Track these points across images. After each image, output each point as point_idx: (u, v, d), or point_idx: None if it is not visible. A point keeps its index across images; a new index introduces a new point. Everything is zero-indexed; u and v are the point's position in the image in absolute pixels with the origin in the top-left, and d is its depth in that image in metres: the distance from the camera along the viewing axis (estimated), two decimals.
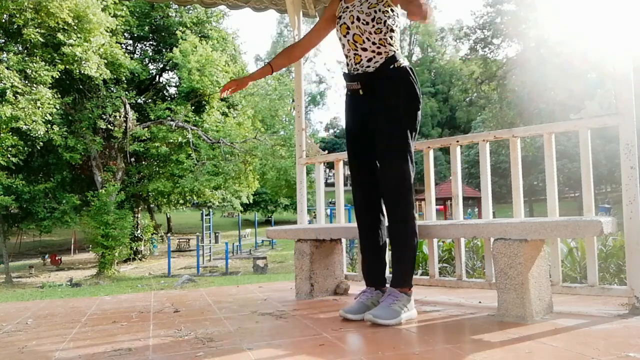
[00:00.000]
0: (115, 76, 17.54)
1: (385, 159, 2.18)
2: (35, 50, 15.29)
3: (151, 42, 23.07)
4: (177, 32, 20.13)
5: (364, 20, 2.18)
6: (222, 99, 21.55)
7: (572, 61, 17.72)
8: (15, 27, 15.02)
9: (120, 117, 18.25)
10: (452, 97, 47.82)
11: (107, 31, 16.59)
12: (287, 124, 25.08)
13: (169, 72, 23.45)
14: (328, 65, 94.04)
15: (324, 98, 60.52)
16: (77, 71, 15.67)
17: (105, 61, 16.43)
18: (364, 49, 2.20)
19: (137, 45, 23.15)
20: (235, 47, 24.14)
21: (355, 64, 2.24)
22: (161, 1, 4.42)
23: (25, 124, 14.05)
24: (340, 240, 2.95)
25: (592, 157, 2.28)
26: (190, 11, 21.79)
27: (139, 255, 20.85)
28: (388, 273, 2.41)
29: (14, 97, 13.83)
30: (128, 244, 17.97)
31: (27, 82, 14.60)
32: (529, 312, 1.96)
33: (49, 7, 14.38)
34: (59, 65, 15.19)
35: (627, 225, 2.08)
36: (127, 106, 18.24)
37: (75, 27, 15.26)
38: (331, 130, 59.28)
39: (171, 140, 18.89)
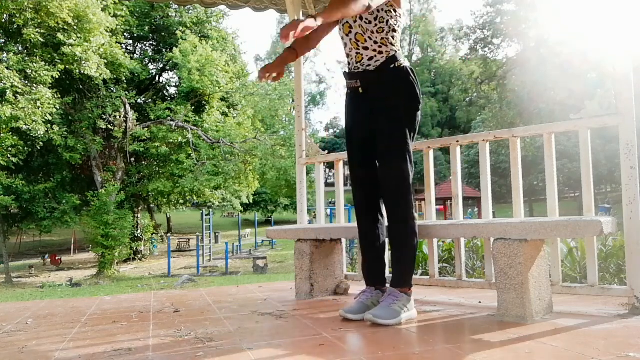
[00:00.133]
0: (115, 76, 17.54)
1: (386, 159, 2.19)
2: (35, 50, 15.29)
3: (151, 42, 23.07)
4: (177, 32, 20.13)
5: (366, 19, 2.18)
6: (222, 99, 21.57)
7: (572, 61, 17.73)
8: (15, 27, 15.02)
9: (120, 117, 18.25)
10: (452, 97, 47.83)
11: (107, 31, 16.59)
12: (287, 124, 25.08)
13: (169, 72, 23.45)
14: (328, 65, 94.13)
15: (324, 98, 60.58)
16: (77, 71, 15.67)
17: (105, 61, 16.43)
18: (366, 48, 2.21)
19: (137, 45, 23.15)
20: (235, 47, 24.14)
21: (356, 63, 2.25)
22: (161, 1, 4.42)
23: (25, 124, 14.05)
24: (340, 240, 2.94)
25: (592, 157, 2.28)
26: (190, 11, 21.79)
27: (139, 255, 20.85)
28: (388, 273, 2.42)
29: (14, 97, 13.83)
30: (128, 244, 17.97)
31: (27, 82, 14.60)
32: (529, 312, 1.96)
33: (49, 7, 14.39)
34: (59, 65, 15.19)
35: (627, 225, 2.08)
36: (127, 106, 18.24)
37: (75, 27, 15.26)
38: (331, 130, 59.30)
39: (171, 140, 18.90)
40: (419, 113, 2.23)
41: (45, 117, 14.69)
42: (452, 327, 2.05)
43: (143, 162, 20.87)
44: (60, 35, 14.94)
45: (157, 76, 23.51)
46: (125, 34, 20.29)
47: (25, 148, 15.36)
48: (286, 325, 2.16)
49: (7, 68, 14.05)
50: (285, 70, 2.44)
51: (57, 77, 15.25)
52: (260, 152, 21.47)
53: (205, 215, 20.27)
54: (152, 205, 25.14)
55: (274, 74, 2.27)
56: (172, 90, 23.89)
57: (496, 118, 22.43)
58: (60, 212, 17.37)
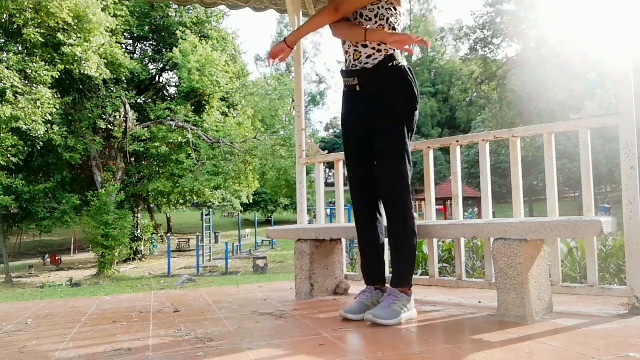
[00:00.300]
0: (115, 76, 17.54)
1: (384, 158, 2.18)
2: (35, 50, 15.29)
3: (151, 42, 23.07)
4: (177, 32, 20.13)
5: (367, 16, 2.19)
6: (222, 99, 21.57)
7: (572, 61, 17.72)
8: (15, 27, 15.02)
9: (120, 117, 18.25)
10: (452, 97, 47.83)
11: (107, 31, 16.59)
12: (287, 124, 25.08)
13: (169, 72, 23.45)
14: (328, 65, 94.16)
15: (324, 98, 60.56)
16: (77, 71, 15.67)
17: (105, 61, 16.43)
18: (365, 46, 2.21)
19: (137, 45, 23.15)
20: (235, 47, 24.14)
21: (354, 60, 2.24)
22: (161, 1, 4.42)
23: (25, 124, 14.05)
24: (340, 240, 2.94)
25: (592, 157, 2.28)
26: (190, 11, 21.79)
27: (139, 255, 20.85)
28: (388, 273, 2.42)
29: (14, 97, 13.83)
30: (128, 244, 17.97)
31: (27, 82, 14.60)
32: (529, 312, 1.96)
33: (49, 7, 14.39)
34: (59, 65, 15.19)
35: (627, 225, 2.08)
36: (127, 106, 18.24)
37: (75, 27, 15.26)
38: (331, 130, 59.29)
39: (171, 140, 18.90)
40: (417, 112, 2.23)
41: (45, 117, 14.69)
42: (452, 327, 2.05)
43: (143, 162, 20.87)
44: (60, 35, 14.94)
45: (157, 76, 23.51)
46: (125, 34, 20.30)
47: (25, 148, 15.36)
48: (286, 325, 2.16)
49: (7, 68, 14.05)
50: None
51: (57, 77, 15.25)
52: (260, 152, 21.47)
53: (205, 215, 20.27)
54: (152, 205, 25.15)
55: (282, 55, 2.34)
56: (172, 90, 23.91)
57: (496, 118, 22.42)
58: (60, 212, 17.37)
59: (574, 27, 18.21)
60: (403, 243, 2.18)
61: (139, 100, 21.17)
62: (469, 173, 32.06)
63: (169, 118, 19.00)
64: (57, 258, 20.14)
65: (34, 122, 14.21)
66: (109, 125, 18.07)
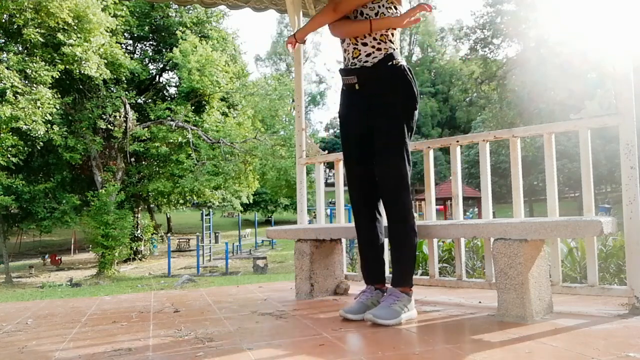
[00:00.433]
0: (115, 76, 17.54)
1: (383, 157, 2.18)
2: (35, 50, 15.29)
3: (151, 42, 23.07)
4: (177, 32, 20.13)
5: (367, 14, 2.19)
6: (222, 99, 21.58)
7: (572, 61, 17.72)
8: (15, 27, 15.02)
9: (120, 117, 18.25)
10: (452, 97, 47.84)
11: (107, 31, 16.59)
12: (287, 124, 25.08)
13: (169, 72, 23.45)
14: (328, 65, 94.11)
15: (324, 98, 60.58)
16: (77, 71, 15.67)
17: (105, 61, 16.43)
18: (364, 44, 2.21)
19: (137, 45, 23.15)
20: (235, 47, 24.14)
21: (353, 59, 2.24)
22: (161, 1, 4.42)
23: (25, 124, 14.05)
24: (340, 240, 2.94)
25: (592, 157, 2.28)
26: (190, 11, 21.79)
27: (139, 255, 20.85)
28: (388, 273, 2.42)
29: (14, 97, 13.83)
30: (128, 244, 17.97)
31: (27, 82, 14.60)
32: (529, 312, 1.96)
33: (49, 7, 14.39)
34: (59, 65, 15.19)
35: (627, 225, 2.08)
36: (127, 106, 18.24)
37: (75, 27, 15.26)
38: (331, 130, 59.28)
39: (171, 140, 18.90)
40: (417, 112, 2.23)
41: (45, 117, 14.69)
42: (452, 327, 2.05)
43: (143, 162, 20.87)
44: (60, 35, 14.94)
45: (157, 76, 23.51)
46: (125, 34, 20.29)
47: (25, 148, 15.36)
48: (286, 325, 2.16)
49: (7, 68, 14.05)
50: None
51: (57, 77, 15.25)
52: (260, 152, 21.47)
53: (205, 215, 20.27)
54: (152, 205, 25.14)
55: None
56: (172, 90, 23.91)
57: (496, 118, 22.41)
58: (60, 212, 17.37)
59: (574, 27, 18.21)
60: (403, 243, 2.18)
61: (139, 100, 21.17)
62: (469, 173, 32.06)
63: (169, 118, 19.00)
64: (57, 258, 20.14)
65: (34, 122, 14.21)
66: (109, 125, 18.07)
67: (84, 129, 17.47)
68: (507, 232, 2.02)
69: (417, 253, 2.63)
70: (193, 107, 20.03)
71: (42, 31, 14.83)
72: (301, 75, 3.48)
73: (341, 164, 3.22)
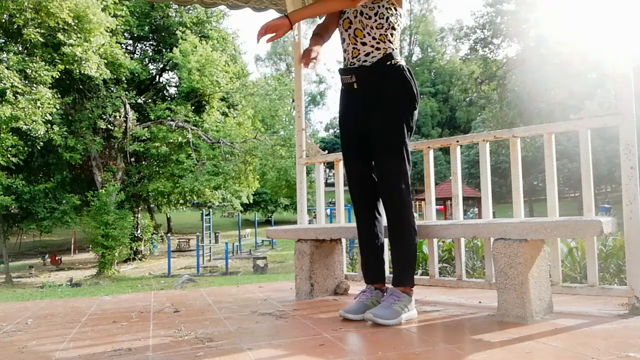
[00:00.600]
0: (115, 76, 17.54)
1: (383, 157, 2.18)
2: (35, 50, 15.29)
3: (151, 42, 23.07)
4: (177, 32, 20.13)
5: (366, 14, 2.19)
6: (222, 99, 21.58)
7: (572, 61, 17.71)
8: (15, 27, 15.02)
9: (120, 117, 18.26)
10: (452, 97, 47.84)
11: (107, 31, 16.60)
12: (287, 124, 25.09)
13: (169, 72, 23.46)
14: (328, 65, 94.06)
15: (324, 98, 60.60)
16: (77, 71, 15.68)
17: (105, 61, 16.43)
18: (364, 43, 2.21)
19: (137, 45, 23.16)
20: (235, 47, 24.14)
21: (352, 58, 2.24)
22: (161, 1, 4.42)
23: (25, 124, 14.05)
24: (340, 240, 2.94)
25: (592, 157, 2.28)
26: (190, 11, 21.79)
27: (139, 255, 20.86)
28: (388, 273, 2.42)
29: (14, 97, 13.83)
30: (128, 244, 17.98)
31: (27, 82, 14.60)
32: (529, 312, 1.96)
33: (49, 7, 14.39)
34: (59, 65, 15.20)
35: (627, 225, 2.08)
36: (127, 106, 18.24)
37: (75, 27, 15.26)
38: (331, 130, 59.29)
39: (171, 140, 18.90)
40: (416, 112, 2.23)
41: (45, 117, 14.69)
42: (452, 327, 2.05)
43: (143, 162, 20.87)
44: (60, 35, 14.94)
45: (157, 76, 23.51)
46: (125, 34, 20.30)
47: (25, 148, 15.36)
48: (286, 325, 2.16)
49: (7, 68, 14.06)
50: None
51: (57, 77, 15.25)
52: (260, 152, 21.47)
53: (205, 215, 20.27)
54: (152, 205, 25.15)
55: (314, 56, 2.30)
56: (172, 90, 23.91)
57: (496, 118, 22.41)
58: (61, 212, 17.38)
59: (574, 27, 18.21)
60: (403, 242, 2.18)
61: (139, 100, 21.17)
62: (469, 173, 32.06)
63: (169, 118, 19.00)
64: (57, 258, 20.15)
65: (34, 122, 14.21)
66: (109, 125, 18.07)
67: (84, 129, 17.48)
68: (507, 232, 2.02)
69: (417, 253, 2.62)
70: (193, 107, 20.03)
71: (42, 31, 14.84)
72: (301, 75, 3.48)
73: (341, 164, 3.22)
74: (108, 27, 16.53)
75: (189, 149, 19.04)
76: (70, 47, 15.03)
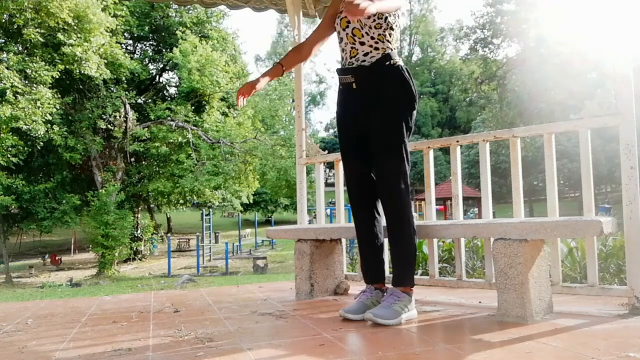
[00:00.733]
0: (115, 76, 17.54)
1: (382, 157, 2.17)
2: (35, 50, 15.29)
3: (151, 42, 23.08)
4: (177, 32, 20.14)
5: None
6: (222, 99, 21.58)
7: (572, 61, 17.71)
8: (15, 27, 15.03)
9: (120, 117, 18.26)
10: (452, 97, 47.85)
11: (107, 31, 16.60)
12: (287, 124, 25.10)
13: (169, 72, 23.46)
14: (328, 65, 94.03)
15: (324, 98, 60.59)
16: (77, 71, 15.68)
17: (105, 61, 16.43)
18: (362, 43, 2.20)
19: (137, 45, 23.16)
20: (235, 47, 24.15)
21: (350, 58, 2.24)
22: (161, 1, 4.42)
23: (25, 124, 14.06)
24: (340, 240, 2.94)
25: (592, 157, 2.28)
26: (190, 11, 21.79)
27: (139, 255, 20.86)
28: (388, 273, 2.41)
29: (14, 97, 13.83)
30: (128, 244, 17.98)
31: (27, 82, 14.61)
32: (529, 312, 1.96)
33: (49, 7, 14.39)
34: (59, 65, 15.20)
35: (627, 225, 2.08)
36: (127, 106, 18.25)
37: (75, 27, 15.26)
38: (331, 130, 59.27)
39: (171, 140, 18.91)
40: (415, 112, 2.23)
41: (45, 117, 14.70)
42: (452, 327, 2.05)
43: (143, 162, 20.87)
44: (60, 35, 14.94)
45: (157, 76, 23.52)
46: (125, 34, 20.30)
47: (25, 148, 15.37)
48: (286, 325, 2.16)
49: (7, 68, 14.06)
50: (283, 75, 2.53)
51: (57, 77, 15.25)
52: (260, 152, 21.48)
53: (205, 215, 20.27)
54: (152, 205, 25.15)
55: (247, 93, 2.38)
56: (172, 90, 23.92)
57: (496, 118, 22.41)
58: (61, 212, 17.38)
59: (574, 27, 18.20)
60: (403, 242, 2.18)
61: (139, 100, 21.18)
62: (469, 173, 32.06)
63: (169, 118, 19.00)
64: (57, 258, 20.15)
65: (34, 122, 14.21)
66: (109, 125, 18.08)
67: (84, 129, 17.48)
68: (507, 232, 2.02)
69: (417, 253, 2.62)
70: (193, 107, 20.03)
71: (42, 31, 14.84)
72: (301, 75, 3.48)
73: (341, 164, 3.22)
74: (108, 27, 16.53)
75: (189, 149, 19.04)
76: (70, 47, 15.03)
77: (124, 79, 18.39)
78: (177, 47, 19.73)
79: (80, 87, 17.67)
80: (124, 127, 18.15)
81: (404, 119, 2.17)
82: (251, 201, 25.95)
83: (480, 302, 2.50)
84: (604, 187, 33.72)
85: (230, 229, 33.43)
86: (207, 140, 19.52)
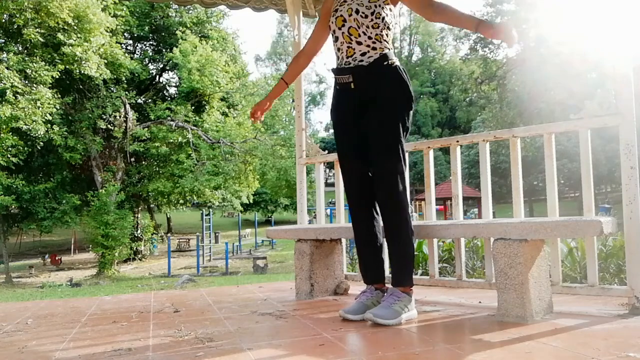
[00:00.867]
0: (115, 76, 17.54)
1: (380, 157, 2.17)
2: (35, 50, 15.29)
3: (151, 42, 23.07)
4: (177, 32, 20.14)
5: (363, 13, 2.17)
6: (222, 99, 21.58)
7: (572, 61, 17.70)
8: (15, 27, 15.03)
9: (120, 117, 18.26)
10: (452, 97, 47.86)
11: (107, 31, 16.60)
12: (287, 124, 25.09)
13: (169, 72, 23.46)
14: (328, 65, 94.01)
15: (324, 98, 60.57)
16: (77, 71, 15.68)
17: (105, 61, 16.43)
18: (359, 43, 2.19)
19: (137, 45, 23.16)
20: (235, 47, 24.15)
21: (347, 57, 2.22)
22: (161, 1, 4.42)
23: (25, 124, 14.05)
24: (340, 240, 2.94)
25: (592, 157, 2.28)
26: (190, 11, 21.79)
27: (139, 255, 20.86)
28: (388, 273, 2.41)
29: (14, 97, 13.83)
30: (128, 244, 17.98)
31: (27, 82, 14.61)
32: (529, 312, 1.96)
33: (49, 7, 14.39)
34: (59, 65, 15.20)
35: (627, 225, 2.08)
36: (127, 106, 18.25)
37: (75, 27, 15.26)
38: (331, 130, 59.20)
39: (171, 140, 18.91)
40: (412, 112, 2.23)
41: (45, 117, 14.69)
42: (452, 327, 2.05)
43: (143, 162, 20.88)
44: (60, 35, 14.94)
45: (157, 76, 23.51)
46: (125, 34, 20.30)
47: (25, 148, 15.37)
48: (286, 325, 2.16)
49: (7, 68, 14.05)
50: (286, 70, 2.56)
51: (57, 77, 15.25)
52: (260, 152, 21.47)
53: (205, 215, 20.27)
54: (152, 205, 25.15)
55: (260, 112, 2.55)
56: (172, 90, 23.91)
57: (496, 118, 22.41)
58: (61, 212, 17.38)
59: (574, 27, 18.20)
60: (401, 242, 2.18)
61: (139, 100, 21.18)
62: (469, 173, 32.06)
63: (169, 118, 19.00)
64: (57, 258, 20.15)
65: (34, 122, 14.21)
66: (109, 125, 18.08)
67: (84, 129, 17.48)
68: (507, 232, 2.02)
69: (417, 253, 2.63)
70: (193, 107, 20.03)
71: (42, 31, 14.84)
72: (301, 76, 3.48)
73: None
74: (108, 27, 16.53)
75: (189, 149, 19.04)
76: (70, 47, 15.03)
77: (124, 79, 18.39)
78: (177, 47, 19.73)
79: (80, 87, 17.67)
80: (124, 127, 18.15)
81: (401, 119, 2.17)
82: (251, 201, 25.95)
83: (480, 302, 2.50)
84: (604, 187, 33.72)
85: (230, 229, 33.43)
86: (207, 140, 19.52)
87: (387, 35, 2.21)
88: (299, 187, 3.44)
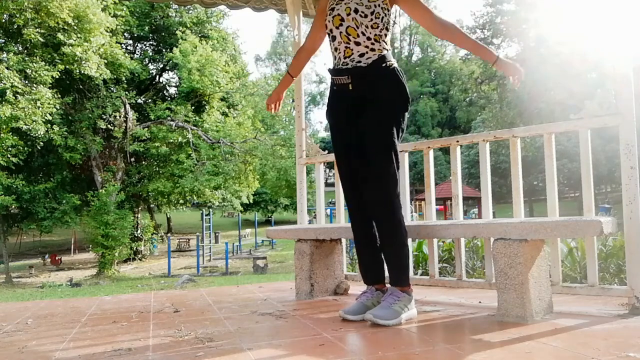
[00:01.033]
0: (115, 76, 17.54)
1: (375, 158, 2.16)
2: (35, 50, 15.29)
3: (151, 42, 23.07)
4: (177, 32, 20.14)
5: (362, 12, 2.15)
6: (222, 99, 21.58)
7: (572, 61, 17.71)
8: (15, 27, 15.02)
9: (120, 117, 18.26)
10: (452, 97, 47.85)
11: (107, 31, 16.60)
12: (287, 124, 25.09)
13: (169, 72, 23.46)
14: (328, 65, 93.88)
15: (324, 98, 60.51)
16: (77, 71, 15.68)
17: (105, 61, 16.43)
18: (357, 43, 2.18)
19: (137, 45, 23.16)
20: (235, 47, 24.14)
21: (345, 58, 2.21)
22: (161, 1, 4.42)
23: (25, 124, 14.05)
24: (340, 240, 2.94)
25: (592, 157, 2.28)
26: (190, 11, 21.79)
27: (139, 255, 20.86)
28: (387, 273, 2.41)
29: (14, 97, 13.83)
30: (128, 244, 17.98)
31: (27, 82, 14.60)
32: (529, 312, 1.96)
33: (49, 7, 14.39)
34: (59, 65, 15.20)
35: (627, 225, 2.08)
36: (127, 106, 18.25)
37: (75, 27, 15.26)
38: None
39: (171, 140, 18.91)
40: (407, 113, 2.23)
41: (45, 117, 14.69)
42: (452, 327, 2.05)
43: (143, 162, 20.87)
44: (60, 35, 14.94)
45: (157, 76, 23.51)
46: (125, 34, 20.30)
47: (25, 148, 15.36)
48: (286, 325, 2.16)
49: (7, 68, 14.05)
50: (286, 70, 2.58)
51: (57, 77, 15.25)
52: (260, 152, 21.47)
53: (205, 215, 20.27)
54: (152, 205, 25.15)
55: (275, 103, 2.59)
56: (172, 90, 23.91)
57: (496, 118, 22.40)
58: (61, 212, 17.38)
59: (574, 27, 18.20)
60: (397, 242, 2.17)
61: (139, 100, 21.17)
62: (469, 173, 32.05)
63: (169, 118, 19.00)
64: (57, 258, 20.15)
65: (34, 122, 14.21)
66: (109, 125, 18.07)
67: (84, 129, 17.48)
68: (507, 232, 2.02)
69: (417, 253, 2.63)
70: (193, 107, 20.03)
71: (42, 31, 14.83)
72: (301, 75, 3.48)
73: None
74: (108, 27, 16.53)
75: (189, 149, 19.04)
76: (70, 47, 15.03)
77: (124, 79, 18.39)
78: (177, 47, 19.72)
79: (80, 87, 17.67)
80: (124, 127, 18.15)
81: (397, 121, 2.17)
82: (251, 201, 25.94)
83: (480, 302, 2.50)
84: (604, 187, 33.71)
85: (230, 229, 33.43)
86: (207, 140, 19.52)
87: (385, 35, 2.20)
88: (299, 187, 3.44)
